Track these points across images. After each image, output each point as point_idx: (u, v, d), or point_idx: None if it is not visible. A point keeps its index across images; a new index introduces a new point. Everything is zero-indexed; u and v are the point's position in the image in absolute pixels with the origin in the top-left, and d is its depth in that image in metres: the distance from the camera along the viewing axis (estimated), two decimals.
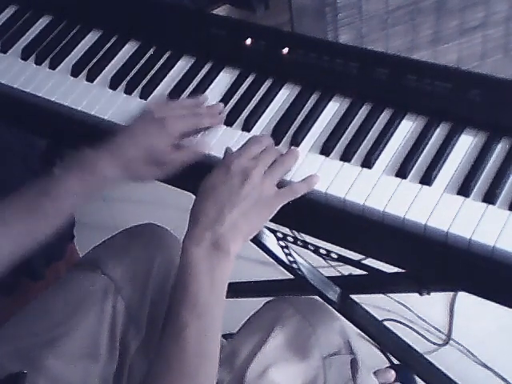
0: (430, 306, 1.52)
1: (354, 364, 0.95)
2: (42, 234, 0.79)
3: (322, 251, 1.27)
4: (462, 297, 1.54)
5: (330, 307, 1.03)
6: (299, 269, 1.24)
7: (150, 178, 0.84)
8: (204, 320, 0.69)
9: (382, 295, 1.48)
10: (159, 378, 0.69)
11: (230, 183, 0.74)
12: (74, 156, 0.82)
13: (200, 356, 0.69)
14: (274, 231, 1.24)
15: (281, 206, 0.76)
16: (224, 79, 0.94)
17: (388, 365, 1.45)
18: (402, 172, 0.80)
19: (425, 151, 0.81)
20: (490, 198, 0.75)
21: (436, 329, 1.52)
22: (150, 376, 0.70)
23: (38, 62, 1.01)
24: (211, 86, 0.93)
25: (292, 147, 0.83)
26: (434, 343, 1.49)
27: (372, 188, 0.79)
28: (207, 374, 0.70)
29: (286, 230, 1.27)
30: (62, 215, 0.80)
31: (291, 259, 1.24)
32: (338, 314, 1.03)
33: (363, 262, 1.25)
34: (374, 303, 1.47)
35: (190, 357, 0.68)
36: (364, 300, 1.34)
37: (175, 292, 0.71)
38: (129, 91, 0.95)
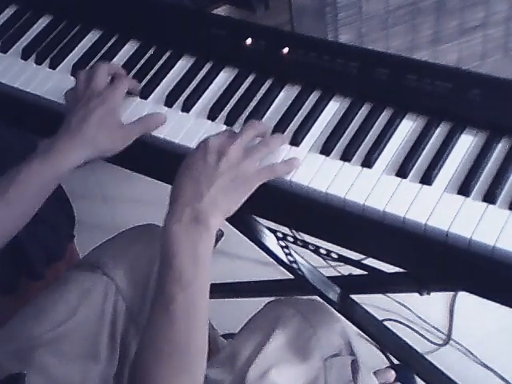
0: (429, 306, 1.52)
1: (354, 365, 0.95)
2: (11, 224, 0.81)
3: (321, 251, 1.27)
4: (462, 297, 1.54)
5: (331, 308, 1.03)
6: (299, 269, 1.24)
7: (111, 151, 0.86)
8: (190, 292, 0.70)
9: (382, 295, 1.48)
10: (151, 353, 0.70)
11: (207, 161, 0.76)
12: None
13: (189, 329, 0.70)
14: (274, 231, 1.24)
15: (259, 183, 0.78)
16: (224, 79, 0.94)
17: (388, 365, 1.45)
18: (402, 172, 0.80)
19: (425, 151, 0.81)
20: (490, 197, 0.75)
21: (436, 329, 1.52)
22: (142, 351, 0.71)
23: (38, 62, 1.01)
24: (211, 86, 0.93)
25: (277, 133, 0.85)
26: (434, 343, 1.49)
27: (372, 188, 0.79)
28: (198, 346, 0.71)
29: (286, 230, 1.27)
30: (29, 201, 0.81)
31: (291, 259, 1.24)
32: (338, 315, 1.03)
33: (363, 261, 1.25)
34: (373, 303, 1.46)
35: (180, 329, 0.69)
36: (364, 300, 1.34)
37: (161, 270, 0.72)
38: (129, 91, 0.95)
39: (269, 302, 0.99)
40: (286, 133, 0.86)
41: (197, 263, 0.71)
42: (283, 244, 1.24)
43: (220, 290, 1.35)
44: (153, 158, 0.91)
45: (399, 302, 1.52)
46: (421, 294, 1.09)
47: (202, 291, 0.72)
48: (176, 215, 0.73)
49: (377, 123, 0.85)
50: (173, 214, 0.73)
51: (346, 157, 0.82)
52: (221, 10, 1.25)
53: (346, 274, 1.50)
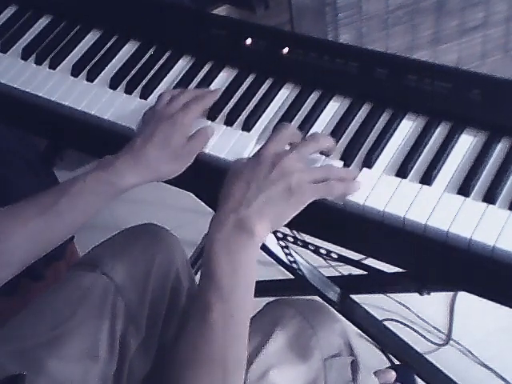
0: (429, 306, 1.52)
1: (354, 365, 0.95)
2: (58, 234, 0.80)
3: (322, 251, 1.28)
4: (462, 297, 1.54)
5: (331, 309, 1.03)
6: (299, 269, 1.24)
7: (171, 174, 0.84)
8: (229, 303, 0.68)
9: (382, 295, 1.48)
10: (187, 363, 0.68)
11: (259, 168, 0.74)
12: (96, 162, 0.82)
13: (227, 339, 0.68)
14: (274, 231, 1.24)
15: (313, 199, 0.74)
16: (224, 79, 0.94)
17: (388, 365, 1.45)
18: (402, 172, 0.80)
19: (425, 151, 0.81)
20: (490, 197, 0.75)
21: (436, 329, 1.52)
22: (177, 361, 0.69)
23: (38, 62, 1.01)
24: (211, 86, 0.93)
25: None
26: (434, 343, 1.49)
27: (372, 188, 0.79)
28: (235, 359, 0.69)
29: (286, 230, 1.27)
30: (79, 214, 0.80)
31: (291, 259, 1.24)
32: (338, 315, 1.03)
33: (363, 261, 1.25)
34: (373, 303, 1.46)
35: (217, 340, 0.67)
36: (364, 300, 1.34)
37: (201, 276, 0.70)
38: (129, 91, 0.95)
39: (269, 303, 0.99)
40: None
41: (236, 272, 0.69)
42: (283, 244, 1.24)
43: None
44: None
45: (399, 302, 1.52)
46: (421, 294, 1.09)
47: (243, 304, 0.70)
48: (220, 220, 0.71)
49: (377, 123, 0.85)
50: (217, 218, 0.72)
51: (346, 157, 0.82)
52: (221, 10, 1.25)
53: (346, 274, 1.50)
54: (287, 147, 0.79)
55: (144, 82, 0.95)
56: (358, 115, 0.86)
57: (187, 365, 0.68)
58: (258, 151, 0.76)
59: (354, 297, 1.30)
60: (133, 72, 0.97)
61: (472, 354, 1.46)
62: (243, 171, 0.75)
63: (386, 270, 1.10)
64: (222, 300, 0.68)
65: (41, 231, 0.78)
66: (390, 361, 1.46)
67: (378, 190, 0.78)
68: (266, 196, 0.72)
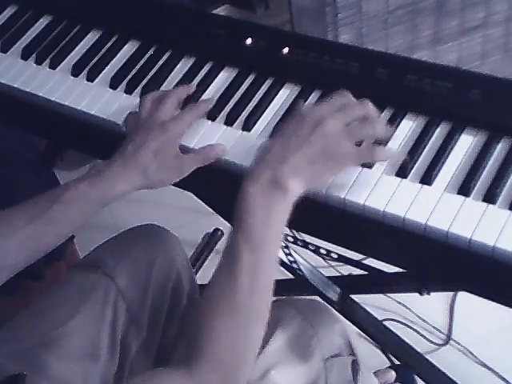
0: (430, 306, 1.52)
1: (354, 365, 0.95)
2: (48, 241, 0.80)
3: (322, 251, 1.28)
4: (462, 297, 1.54)
5: (331, 309, 1.03)
6: (299, 269, 1.24)
7: (163, 183, 0.84)
8: (258, 254, 0.70)
9: (382, 295, 1.48)
10: (208, 307, 0.70)
11: (302, 127, 0.74)
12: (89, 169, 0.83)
13: (252, 291, 0.69)
14: None
15: (352, 164, 0.75)
16: (224, 79, 0.94)
17: (388, 365, 1.45)
18: (402, 172, 0.80)
19: (425, 151, 0.81)
20: (490, 197, 0.75)
21: (436, 329, 1.52)
22: (200, 305, 0.71)
23: (38, 62, 1.01)
24: (211, 86, 0.93)
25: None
26: (434, 343, 1.49)
27: (372, 188, 0.79)
28: (258, 312, 0.71)
29: (286, 230, 1.27)
30: (70, 222, 0.80)
31: (291, 259, 1.24)
32: (339, 314, 1.03)
33: (363, 261, 1.25)
34: (373, 303, 1.46)
35: (242, 289, 0.69)
36: (364, 300, 1.34)
37: (233, 226, 0.71)
38: (129, 91, 0.95)
39: None
40: None
41: (268, 226, 0.71)
42: (283, 244, 1.24)
43: None
44: None
45: (399, 302, 1.52)
46: (421, 294, 1.09)
47: (270, 257, 0.71)
48: (255, 175, 0.72)
49: None
50: (252, 173, 0.73)
51: None
52: (221, 10, 1.26)
53: (346, 274, 1.50)
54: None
55: (144, 81, 0.95)
56: None
57: (210, 308, 0.70)
58: (304, 111, 0.76)
59: (354, 297, 1.30)
60: (133, 72, 0.97)
61: (472, 354, 1.46)
62: (286, 129, 0.75)
63: (386, 269, 1.10)
64: (250, 251, 0.69)
65: (31, 238, 0.78)
66: (391, 361, 1.46)
67: (378, 190, 0.78)
68: (304, 155, 0.73)
